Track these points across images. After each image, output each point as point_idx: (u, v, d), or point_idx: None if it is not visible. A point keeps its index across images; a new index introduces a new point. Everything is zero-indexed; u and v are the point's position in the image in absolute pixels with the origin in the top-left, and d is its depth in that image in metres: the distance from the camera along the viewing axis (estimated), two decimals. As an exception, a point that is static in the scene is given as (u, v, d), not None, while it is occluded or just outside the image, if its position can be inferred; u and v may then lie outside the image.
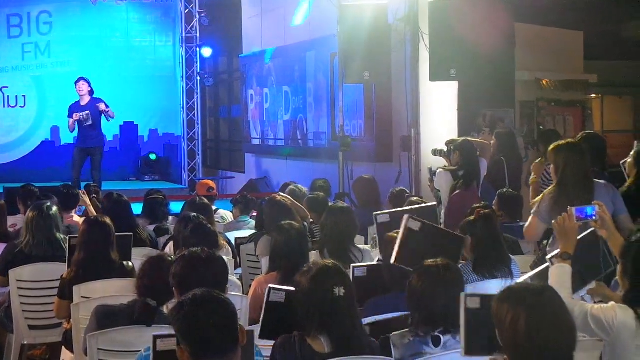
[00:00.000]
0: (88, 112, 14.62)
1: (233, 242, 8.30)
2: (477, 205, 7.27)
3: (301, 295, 4.33)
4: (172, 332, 3.57)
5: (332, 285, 4.23)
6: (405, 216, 5.67)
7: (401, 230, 5.63)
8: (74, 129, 14.98)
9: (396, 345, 4.36)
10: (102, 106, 14.68)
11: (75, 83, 14.96)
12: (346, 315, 4.24)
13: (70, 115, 14.81)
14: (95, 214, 9.26)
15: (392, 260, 5.47)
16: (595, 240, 4.79)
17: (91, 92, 14.91)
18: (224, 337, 3.44)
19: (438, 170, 9.65)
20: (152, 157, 19.45)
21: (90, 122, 14.67)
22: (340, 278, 4.32)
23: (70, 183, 10.75)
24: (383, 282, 5.60)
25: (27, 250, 7.32)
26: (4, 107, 18.96)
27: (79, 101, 14.87)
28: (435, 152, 10.16)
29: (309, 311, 4.24)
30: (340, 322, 4.22)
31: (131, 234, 7.12)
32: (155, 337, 3.80)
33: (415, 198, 8.72)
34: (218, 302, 3.50)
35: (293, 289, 4.56)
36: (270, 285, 4.84)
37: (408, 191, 9.08)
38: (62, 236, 7.42)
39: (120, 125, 19.57)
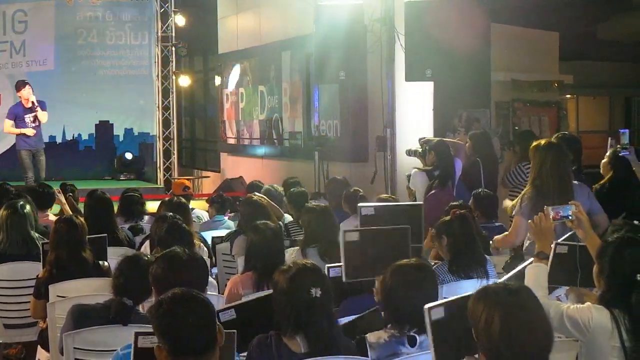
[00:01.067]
0: (35, 114, 14.62)
1: (209, 241, 8.31)
2: (455, 204, 7.32)
3: (278, 295, 4.35)
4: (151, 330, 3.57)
5: (310, 286, 4.24)
6: (341, 232, 5.72)
7: (341, 247, 5.67)
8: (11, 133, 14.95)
9: (372, 345, 4.37)
10: (38, 111, 14.67)
11: (19, 88, 14.85)
12: (323, 316, 4.25)
13: (10, 117, 14.76)
14: (70, 212, 9.23)
15: (344, 279, 5.50)
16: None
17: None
18: (202, 337, 3.44)
19: (413, 171, 9.68)
20: (128, 156, 19.40)
21: (35, 124, 14.70)
22: (318, 278, 4.34)
23: (45, 182, 10.71)
24: (358, 282, 5.62)
25: (2, 249, 7.30)
26: (-21, 106, 18.87)
27: (20, 102, 14.80)
28: (410, 153, 10.19)
29: (285, 311, 4.25)
30: (317, 322, 4.23)
31: (105, 235, 7.11)
32: (137, 334, 3.80)
33: (384, 195, 8.74)
34: (197, 301, 3.51)
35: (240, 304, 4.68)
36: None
37: (361, 191, 9.12)
38: (36, 235, 7.41)
39: (96, 124, 19.52)
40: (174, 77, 19.48)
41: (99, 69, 19.39)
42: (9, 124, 14.80)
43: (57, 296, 6.23)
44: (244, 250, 6.58)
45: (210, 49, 20.68)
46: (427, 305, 3.91)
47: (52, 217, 9.12)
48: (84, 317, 5.21)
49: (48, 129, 19.14)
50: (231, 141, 18.79)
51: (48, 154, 18.77)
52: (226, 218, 9.82)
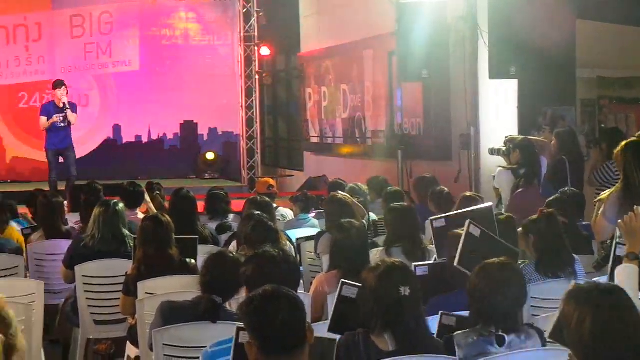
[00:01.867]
0: (65, 114, 14.71)
1: (294, 240, 8.36)
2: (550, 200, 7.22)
3: (367, 293, 4.36)
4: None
5: (399, 284, 4.25)
6: (467, 222, 5.67)
7: (463, 235, 5.63)
8: (45, 128, 15.03)
9: (460, 344, 4.36)
10: (68, 113, 14.74)
11: (56, 87, 14.94)
12: (411, 314, 4.26)
13: (44, 114, 14.88)
14: (155, 211, 9.37)
15: (456, 263, 5.47)
16: None
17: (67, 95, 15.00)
18: (292, 334, 3.46)
19: (498, 169, 9.61)
20: (210, 156, 19.56)
21: (64, 124, 14.79)
22: (406, 277, 4.34)
23: (134, 181, 10.85)
24: (445, 280, 5.61)
25: (92, 245, 7.44)
26: (67, 106, 19.21)
27: (53, 102, 14.91)
28: (493, 151, 10.12)
29: (374, 309, 4.26)
30: (405, 321, 4.24)
31: (197, 236, 7.20)
32: (238, 329, 3.84)
33: (469, 193, 8.67)
34: (287, 298, 3.53)
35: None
36: (343, 280, 4.87)
37: (446, 189, 9.07)
38: (127, 232, 7.54)
39: (180, 124, 19.75)
40: (257, 77, 19.61)
41: (184, 69, 19.60)
42: (44, 120, 14.89)
43: (146, 293, 6.33)
44: (329, 248, 6.61)
45: (292, 48, 20.76)
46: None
47: (141, 216, 9.25)
48: (173, 314, 5.27)
49: (134, 129, 19.53)
50: (314, 140, 18.85)
51: (134, 153, 19.19)
52: (310, 216, 9.86)
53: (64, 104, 14.61)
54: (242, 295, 5.02)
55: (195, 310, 5.23)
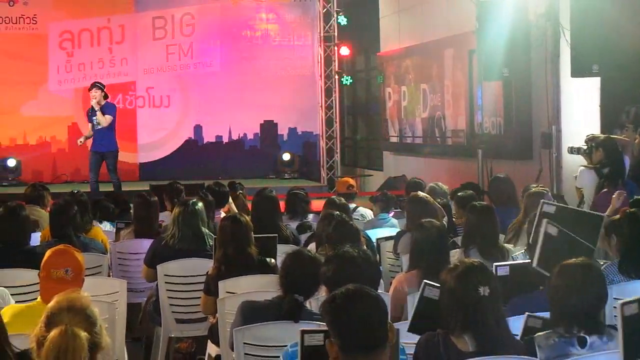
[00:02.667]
0: (96, 116, 14.71)
1: (374, 240, 8.36)
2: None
3: (446, 293, 4.34)
4: (319, 327, 3.61)
5: (477, 284, 4.23)
6: (544, 221, 5.60)
7: (540, 235, 5.57)
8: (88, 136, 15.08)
9: (541, 346, 4.32)
10: (97, 114, 14.75)
11: (92, 89, 14.94)
12: (491, 315, 4.22)
13: (90, 120, 14.94)
14: (236, 210, 9.46)
15: (534, 264, 5.42)
16: None
17: (105, 97, 14.97)
18: (373, 333, 3.46)
19: (580, 169, 9.49)
20: (285, 157, 19.62)
21: (99, 126, 14.80)
22: (485, 277, 4.31)
23: (219, 180, 10.96)
24: (527, 281, 5.56)
25: (172, 243, 7.54)
26: (149, 107, 19.48)
27: (92, 107, 14.93)
28: (572, 150, 9.99)
29: (453, 309, 4.25)
30: (485, 322, 4.21)
31: (276, 235, 7.25)
32: (303, 332, 3.85)
33: (535, 189, 8.44)
34: (370, 298, 3.53)
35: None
36: (426, 281, 4.86)
37: (547, 189, 8.92)
38: (206, 231, 7.62)
39: (260, 124, 19.87)
40: (336, 77, 19.64)
41: (264, 69, 19.73)
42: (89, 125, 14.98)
43: (227, 292, 6.39)
44: (409, 248, 6.60)
45: (372, 47, 20.77)
46: (621, 301, 3.86)
47: (223, 215, 9.35)
48: (253, 313, 5.31)
49: (214, 129, 19.71)
50: (394, 140, 18.82)
51: (215, 153, 19.36)
52: (390, 216, 9.85)
53: (95, 105, 14.69)
54: (322, 294, 5.04)
55: (275, 310, 5.25)
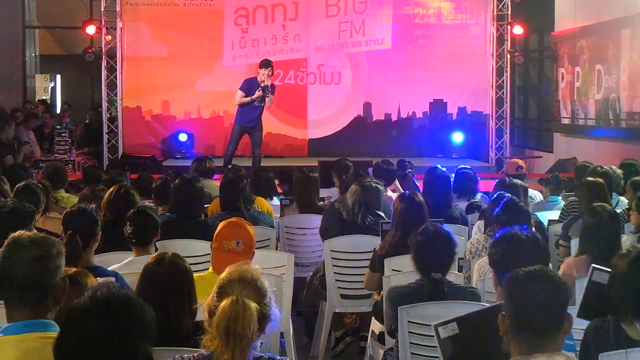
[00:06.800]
0: (264, 96, 14.70)
1: (545, 222, 8.24)
2: None
3: (618, 279, 4.25)
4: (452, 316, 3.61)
5: (651, 270, 4.13)
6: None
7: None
8: (239, 103, 15.09)
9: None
10: (268, 95, 14.70)
11: (262, 66, 14.91)
12: (666, 302, 4.12)
13: (243, 89, 14.91)
14: (402, 190, 9.50)
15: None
16: None
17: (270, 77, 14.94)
18: (547, 318, 3.43)
19: None
20: (457, 138, 19.45)
21: (260, 105, 14.82)
22: (660, 262, 4.20)
23: (387, 158, 11.02)
24: None
25: (348, 218, 7.64)
26: (320, 84, 19.65)
27: (256, 79, 14.95)
28: None
29: (625, 296, 4.15)
30: (660, 309, 4.11)
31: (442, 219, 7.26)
32: (436, 327, 3.85)
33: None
34: (552, 282, 3.50)
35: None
36: (594, 265, 4.76)
37: None
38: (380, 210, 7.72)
39: (430, 103, 19.78)
40: (508, 56, 19.36)
41: (435, 48, 19.60)
42: (239, 95, 14.95)
43: (392, 270, 6.42)
44: (579, 232, 6.47)
45: (546, 27, 20.37)
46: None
47: (390, 193, 9.39)
48: (400, 298, 5.43)
49: (383, 107, 19.73)
50: (565, 121, 18.45)
51: (383, 131, 19.39)
52: (560, 199, 9.69)
53: (266, 85, 14.83)
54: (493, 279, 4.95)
55: (419, 293, 5.32)
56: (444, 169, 8.98)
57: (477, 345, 3.96)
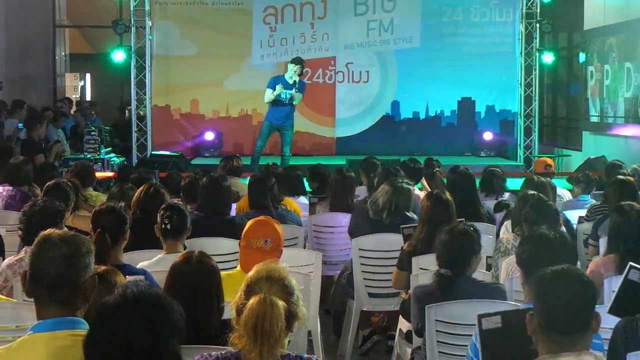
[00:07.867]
0: (291, 93, 14.71)
1: (574, 222, 8.21)
2: None
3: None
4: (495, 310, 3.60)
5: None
6: (629, 265, 4.84)
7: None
8: (267, 101, 15.13)
9: None
10: (295, 93, 14.77)
11: (294, 62, 14.99)
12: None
13: (270, 87, 14.96)
14: (429, 189, 9.48)
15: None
16: None
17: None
18: (577, 317, 3.42)
19: None
20: (487, 136, 19.39)
21: (287, 101, 14.82)
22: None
23: (414, 156, 11.01)
24: None
25: (374, 216, 7.65)
26: (349, 82, 19.64)
27: (284, 76, 14.99)
28: None
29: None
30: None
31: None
32: (480, 317, 3.84)
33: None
34: (580, 281, 3.48)
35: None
36: (632, 264, 4.72)
37: None
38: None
39: (458, 101, 19.74)
40: (537, 54, 19.27)
41: (463, 46, 19.54)
42: (268, 92, 15.00)
43: (420, 268, 6.42)
44: (607, 231, 6.44)
45: (575, 25, 20.28)
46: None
47: (417, 192, 9.37)
48: (424, 298, 5.45)
49: (412, 105, 19.71)
50: (594, 119, 18.36)
51: (411, 129, 19.38)
52: (590, 197, 9.63)
53: (294, 82, 14.83)
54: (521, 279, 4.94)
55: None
56: (467, 168, 8.94)
57: (517, 342, 3.96)
